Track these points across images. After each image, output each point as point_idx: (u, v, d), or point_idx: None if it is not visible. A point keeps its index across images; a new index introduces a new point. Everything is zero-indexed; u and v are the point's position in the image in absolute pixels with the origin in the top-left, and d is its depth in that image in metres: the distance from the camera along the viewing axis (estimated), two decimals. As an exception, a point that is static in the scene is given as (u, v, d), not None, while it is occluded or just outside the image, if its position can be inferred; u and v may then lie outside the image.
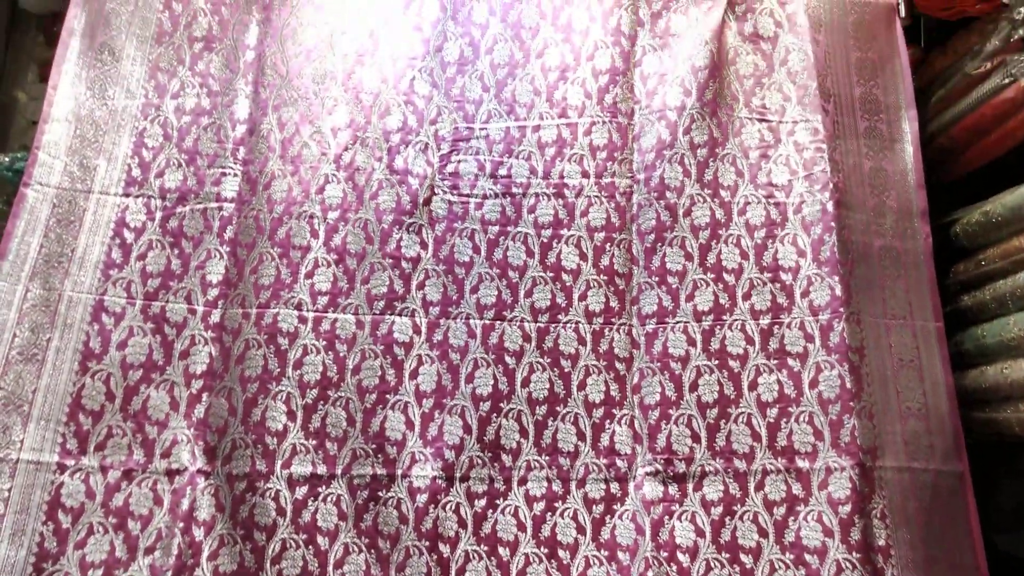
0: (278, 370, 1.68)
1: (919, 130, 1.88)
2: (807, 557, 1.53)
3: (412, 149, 1.84)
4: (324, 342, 1.70)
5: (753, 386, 1.67)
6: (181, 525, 1.54)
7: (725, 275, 1.76)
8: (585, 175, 1.84)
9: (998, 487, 1.93)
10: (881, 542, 1.53)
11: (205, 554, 1.53)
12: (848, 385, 1.61)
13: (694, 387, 1.68)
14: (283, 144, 1.83)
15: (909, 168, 1.86)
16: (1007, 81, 1.70)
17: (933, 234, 1.82)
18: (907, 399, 1.65)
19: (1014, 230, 1.69)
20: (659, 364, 1.71)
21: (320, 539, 1.58)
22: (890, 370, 1.67)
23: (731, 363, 1.69)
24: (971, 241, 1.83)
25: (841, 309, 1.66)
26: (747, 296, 1.73)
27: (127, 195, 1.75)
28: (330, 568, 1.57)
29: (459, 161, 1.85)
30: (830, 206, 1.74)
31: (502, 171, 1.84)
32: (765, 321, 1.71)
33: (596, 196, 1.83)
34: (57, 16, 2.12)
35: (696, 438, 1.65)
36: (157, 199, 1.76)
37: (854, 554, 1.50)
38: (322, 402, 1.66)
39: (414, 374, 1.71)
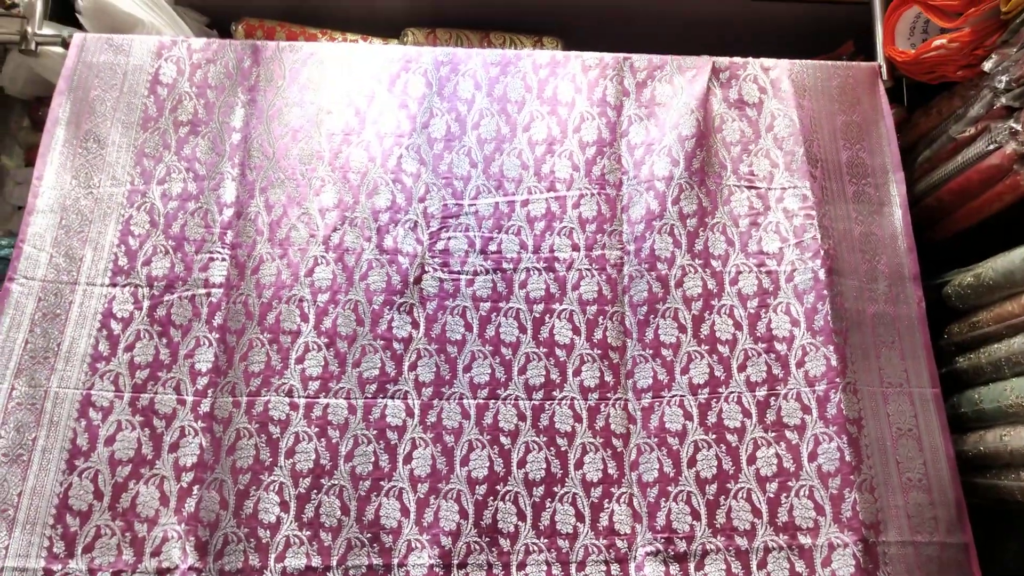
0: (270, 460, 1.69)
1: (906, 190, 1.93)
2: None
3: (401, 228, 1.88)
4: (316, 428, 1.71)
5: (752, 460, 1.69)
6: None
7: (719, 346, 1.78)
8: (575, 248, 1.88)
9: (1003, 550, 1.94)
10: None
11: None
12: (847, 458, 1.63)
13: (692, 463, 1.70)
14: (271, 227, 1.86)
15: (899, 232, 1.90)
16: (992, 147, 1.75)
17: (925, 293, 1.86)
18: (907, 470, 1.67)
19: (1007, 294, 1.73)
20: (656, 439, 1.73)
21: (317, 638, 1.58)
22: (889, 440, 1.69)
23: (729, 437, 1.71)
24: (964, 302, 1.86)
25: (837, 379, 1.69)
26: (742, 367, 1.76)
27: (114, 284, 1.78)
28: (327, 666, 1.56)
29: (449, 238, 1.88)
30: (822, 274, 1.78)
31: (492, 247, 1.88)
32: (761, 393, 1.73)
33: (587, 269, 1.86)
34: (42, 100, 2.17)
35: (696, 515, 1.66)
36: (144, 287, 1.78)
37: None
38: (315, 491, 1.67)
39: (408, 459, 1.72)
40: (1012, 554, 1.93)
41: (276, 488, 1.67)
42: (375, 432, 1.72)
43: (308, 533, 1.64)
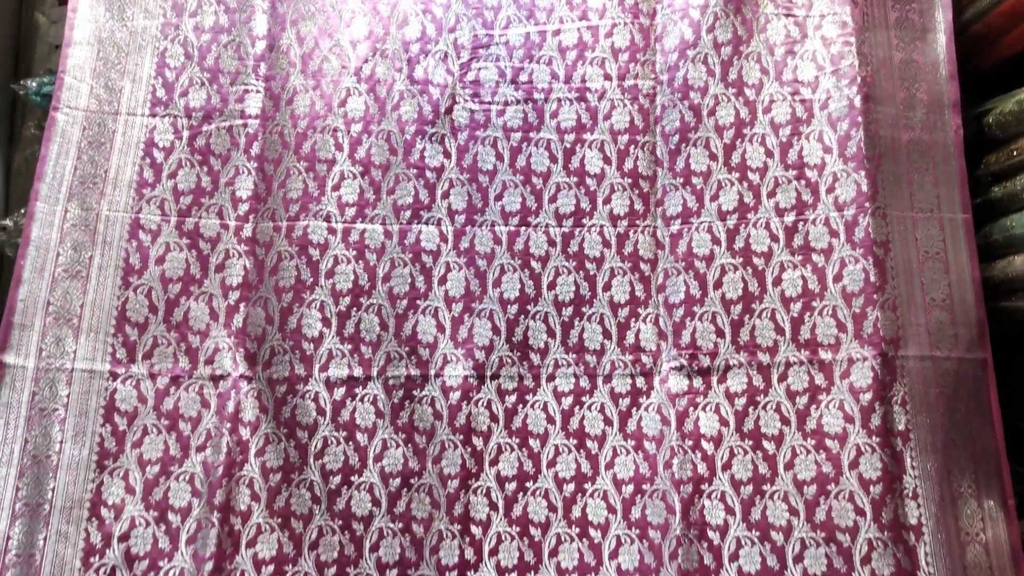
0: (311, 280, 1.80)
1: (952, 19, 1.90)
2: (828, 442, 1.65)
3: (432, 58, 1.91)
4: (354, 252, 1.81)
5: (777, 282, 1.75)
6: (228, 426, 1.70)
7: (750, 174, 1.82)
8: (607, 78, 1.90)
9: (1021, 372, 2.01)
10: (901, 427, 1.63)
11: (252, 451, 1.69)
12: (872, 278, 1.69)
13: (718, 285, 1.78)
14: (303, 59, 1.91)
15: (941, 59, 1.88)
16: (1044, -40, 1.70)
17: (965, 125, 1.86)
18: (931, 291, 1.73)
19: (1048, 117, 1.72)
20: (684, 263, 1.80)
21: (359, 436, 1.73)
22: (915, 263, 1.74)
23: (755, 260, 1.77)
24: (1004, 131, 1.86)
25: (867, 204, 1.73)
26: (772, 194, 1.80)
27: (154, 115, 1.86)
28: (370, 462, 1.72)
29: (479, 68, 1.91)
30: (857, 101, 1.78)
31: (523, 77, 1.91)
32: (790, 218, 1.78)
33: (619, 99, 1.89)
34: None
35: (720, 333, 1.75)
36: (183, 118, 1.86)
37: (874, 438, 1.61)
38: (355, 309, 1.79)
39: (443, 280, 1.82)
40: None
41: (317, 306, 1.79)
42: (411, 256, 1.82)
43: (349, 347, 1.77)
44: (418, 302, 1.80)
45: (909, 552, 1.58)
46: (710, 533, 1.66)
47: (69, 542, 1.59)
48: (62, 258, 1.73)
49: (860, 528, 1.59)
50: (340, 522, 1.69)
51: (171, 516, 1.66)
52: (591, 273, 1.82)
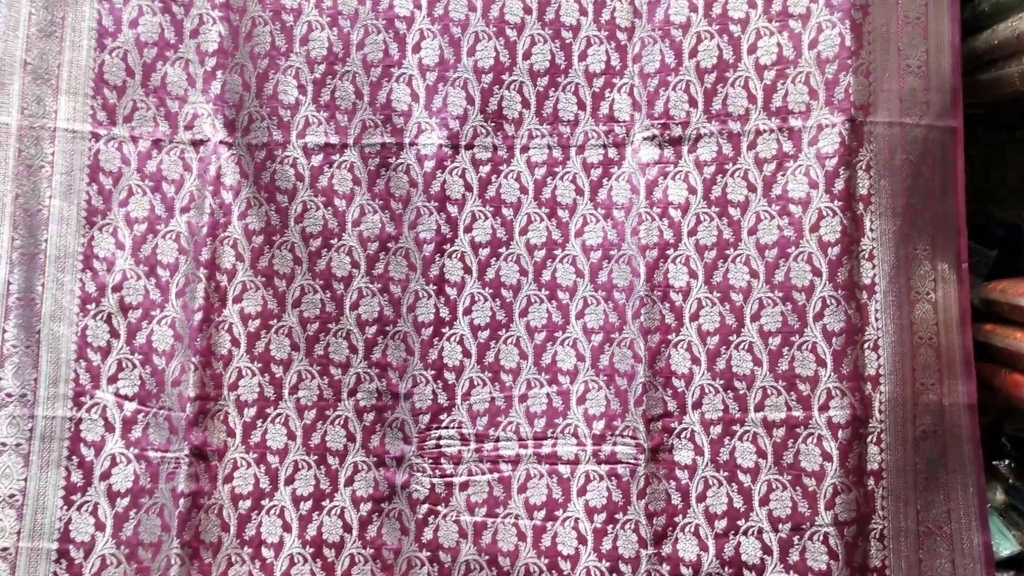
0: (285, 46, 1.83)
1: None
2: (791, 208, 1.72)
3: None
4: (328, 18, 1.83)
5: (752, 49, 1.77)
6: (211, 188, 1.78)
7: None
8: None
9: (1004, 161, 2.06)
10: (863, 191, 1.69)
11: (235, 214, 1.79)
12: (848, 43, 1.70)
13: (694, 53, 1.79)
14: None
15: None
16: None
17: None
18: (908, 56, 1.74)
19: None
20: (660, 32, 1.80)
21: (337, 201, 1.82)
22: (894, 28, 1.74)
23: (732, 27, 1.78)
24: None
25: (850, -33, 1.71)
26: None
27: None
28: (348, 226, 1.82)
29: None
30: None
31: None
32: (769, -12, 1.77)
33: None
34: None
35: (693, 103, 1.79)
36: None
37: (836, 202, 1.68)
38: (330, 77, 1.83)
39: (416, 48, 1.84)
40: (1011, 163, 2.05)
41: (293, 72, 1.83)
42: (384, 22, 1.83)
43: (325, 114, 1.82)
44: (392, 70, 1.84)
45: (860, 309, 1.69)
46: (672, 295, 1.76)
47: (65, 289, 1.72)
48: (34, 16, 1.76)
49: (816, 287, 1.69)
50: (321, 282, 1.81)
51: (160, 271, 1.78)
52: (567, 42, 1.83)
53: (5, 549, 1.54)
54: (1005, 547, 1.65)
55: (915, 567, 1.63)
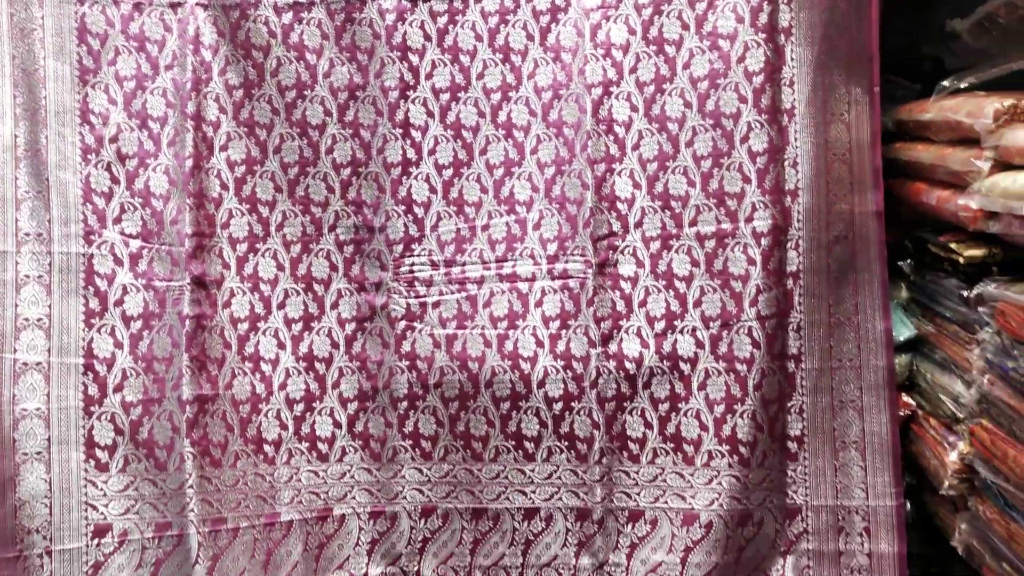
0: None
1: None
2: (720, 42, 1.90)
3: None
4: None
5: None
6: (191, 47, 1.96)
7: None
8: None
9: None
10: (785, 24, 1.89)
11: (215, 70, 1.98)
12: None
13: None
14: None
15: None
16: None
17: None
18: None
19: None
20: None
21: (308, 55, 2.00)
22: None
23: None
24: None
25: None
26: None
27: None
28: (320, 78, 2.00)
29: None
30: None
31: None
32: None
33: None
34: None
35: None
36: None
37: (760, 35, 1.87)
38: (293, -62, 1.99)
39: None
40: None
41: (258, -66, 1.98)
42: None
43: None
44: (350, -72, 1.99)
45: (781, 131, 1.90)
46: (616, 128, 1.98)
47: (67, 141, 1.93)
48: None
49: (742, 113, 1.91)
50: (298, 130, 2.02)
51: (151, 124, 1.98)
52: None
53: (39, 363, 1.80)
54: (904, 333, 1.91)
55: (826, 352, 1.90)
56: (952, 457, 1.68)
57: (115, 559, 1.77)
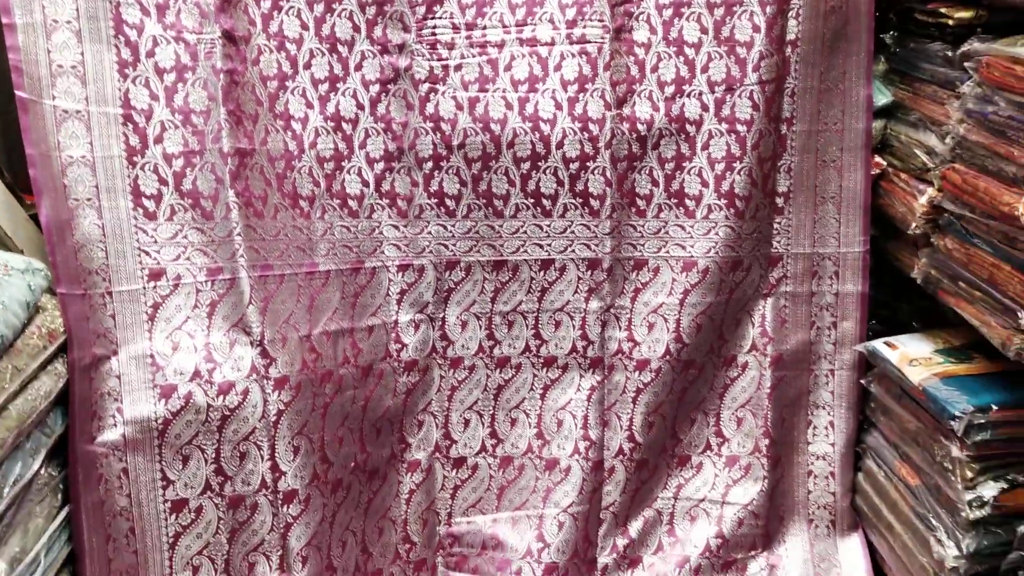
0: None
1: None
2: None
3: None
4: None
5: None
6: None
7: None
8: None
9: None
10: None
11: None
12: None
13: None
14: None
15: None
16: None
17: None
18: None
19: None
20: None
21: None
22: None
23: None
24: None
25: None
26: None
27: None
28: None
29: None
30: None
31: None
32: None
33: None
34: None
35: None
36: None
37: None
38: None
39: None
40: None
41: None
42: None
43: None
44: None
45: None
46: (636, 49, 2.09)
47: None
48: None
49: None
50: None
51: None
52: None
53: (78, 111, 1.82)
54: (881, 100, 2.17)
55: (815, 116, 2.14)
56: (922, 201, 1.97)
57: (172, 300, 1.90)
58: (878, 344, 2.10)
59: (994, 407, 1.76)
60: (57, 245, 1.77)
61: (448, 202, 2.16)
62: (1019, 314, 1.64)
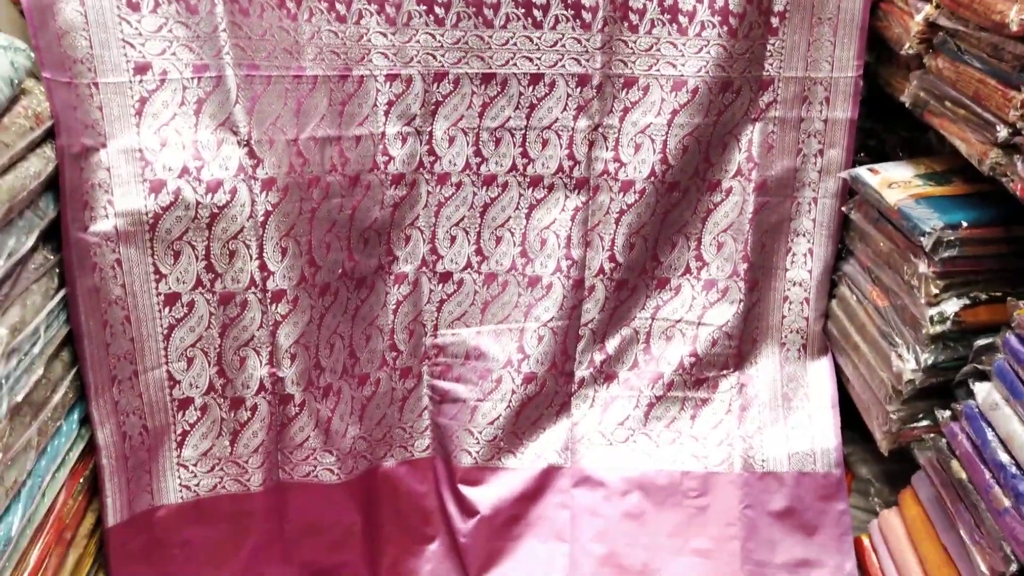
0: None
1: None
2: None
3: None
4: None
5: None
6: None
7: None
8: None
9: None
10: None
11: None
12: None
13: None
14: None
15: None
16: None
17: None
18: None
19: None
20: None
21: None
22: None
23: None
24: None
25: None
26: None
27: None
28: None
29: None
30: None
31: None
32: None
33: None
34: None
35: None
36: None
37: None
38: None
39: None
40: None
41: None
42: None
43: None
44: None
45: None
46: None
47: None
48: None
49: None
50: None
51: None
52: None
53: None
54: None
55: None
56: (918, 19, 1.95)
57: (159, 95, 1.92)
58: (861, 170, 2.14)
59: (964, 223, 1.82)
60: (39, 29, 1.77)
61: (437, 9, 2.14)
62: (997, 127, 1.66)
